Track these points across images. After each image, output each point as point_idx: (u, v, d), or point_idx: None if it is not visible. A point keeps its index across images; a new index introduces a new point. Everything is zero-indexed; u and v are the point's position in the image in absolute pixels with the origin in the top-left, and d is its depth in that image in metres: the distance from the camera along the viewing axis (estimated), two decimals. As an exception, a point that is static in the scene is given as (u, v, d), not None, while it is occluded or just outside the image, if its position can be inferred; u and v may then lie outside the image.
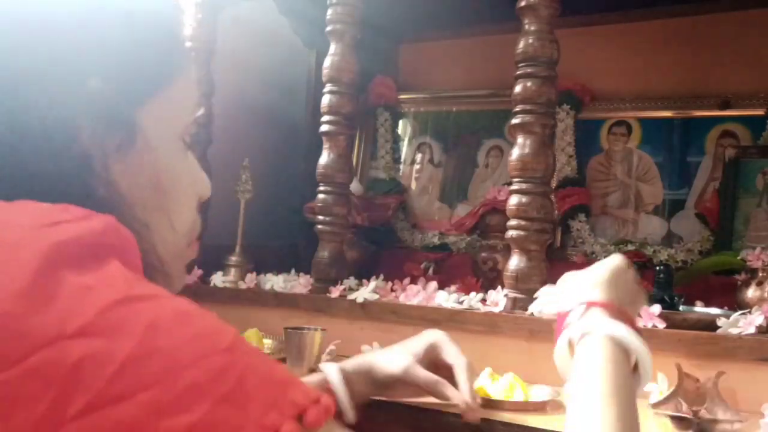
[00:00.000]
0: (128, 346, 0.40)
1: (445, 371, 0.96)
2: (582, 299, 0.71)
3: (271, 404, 0.42)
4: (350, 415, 0.89)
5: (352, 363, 0.95)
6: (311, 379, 0.92)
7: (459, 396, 0.91)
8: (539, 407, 1.02)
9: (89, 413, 0.39)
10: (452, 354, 0.95)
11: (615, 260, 0.78)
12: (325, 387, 0.91)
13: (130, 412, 0.39)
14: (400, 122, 2.23)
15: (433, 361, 0.96)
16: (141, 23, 0.57)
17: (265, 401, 0.42)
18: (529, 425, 0.94)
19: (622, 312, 0.70)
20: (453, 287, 1.53)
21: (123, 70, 0.55)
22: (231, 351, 0.44)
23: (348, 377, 0.91)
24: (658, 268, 1.35)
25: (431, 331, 0.98)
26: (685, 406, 0.93)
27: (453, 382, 0.94)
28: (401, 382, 0.93)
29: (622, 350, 0.66)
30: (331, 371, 0.92)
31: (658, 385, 1.05)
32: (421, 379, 0.92)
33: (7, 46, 0.52)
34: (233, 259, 1.69)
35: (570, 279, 0.78)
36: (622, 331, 0.66)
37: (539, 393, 1.04)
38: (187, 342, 0.42)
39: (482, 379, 1.05)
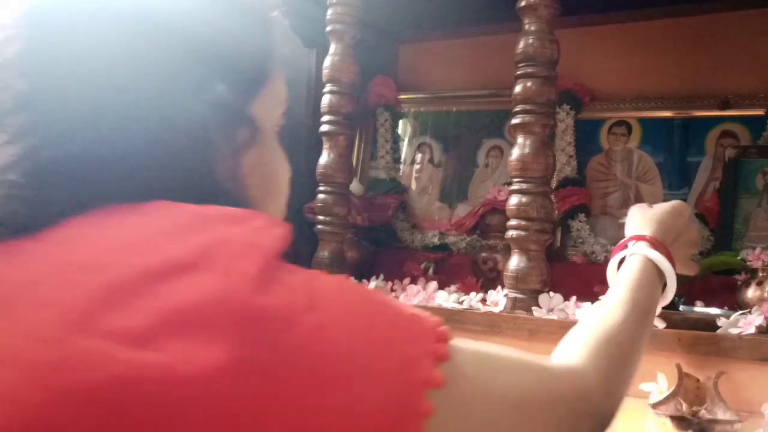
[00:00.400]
0: (335, 311, 0.46)
1: None
2: (635, 232, 0.94)
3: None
4: None
5: None
6: None
7: None
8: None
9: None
10: None
11: (672, 204, 1.03)
12: None
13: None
14: (400, 122, 2.23)
15: None
16: (250, 22, 0.59)
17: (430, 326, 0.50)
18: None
19: (662, 246, 0.91)
20: (453, 287, 1.53)
21: (241, 71, 0.57)
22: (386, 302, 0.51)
23: None
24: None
25: None
26: (685, 406, 0.93)
27: None
28: None
29: (656, 270, 0.87)
30: None
31: (658, 385, 1.05)
32: None
33: (145, 60, 0.52)
34: (233, 259, 1.68)
35: (635, 212, 1.01)
36: (658, 257, 0.88)
37: None
38: (364, 302, 0.49)
39: None
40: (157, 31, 0.53)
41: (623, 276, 0.85)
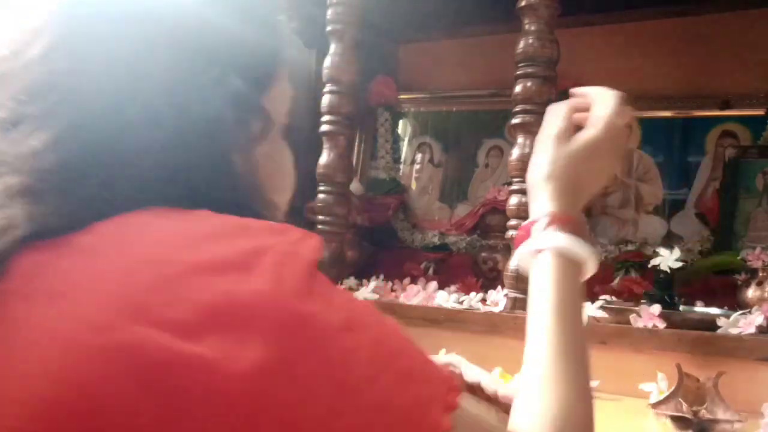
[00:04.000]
0: (367, 337, 0.47)
1: None
2: (544, 211, 0.74)
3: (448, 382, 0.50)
4: None
5: None
6: None
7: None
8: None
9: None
10: (473, 371, 0.96)
11: (587, 140, 0.76)
12: None
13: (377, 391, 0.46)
14: (400, 122, 2.23)
15: None
16: (259, 25, 0.61)
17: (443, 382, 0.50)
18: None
19: (574, 223, 0.73)
20: (453, 287, 1.53)
21: (253, 68, 0.59)
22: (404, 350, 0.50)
23: None
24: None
25: (449, 354, 0.99)
26: (685, 406, 0.93)
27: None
28: None
29: (572, 263, 0.71)
30: None
31: (658, 385, 1.05)
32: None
33: (165, 53, 0.54)
34: (233, 259, 1.68)
35: (539, 159, 0.77)
36: (572, 246, 0.71)
37: None
38: (391, 335, 0.49)
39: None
40: (176, 33, 0.55)
41: (544, 301, 0.71)
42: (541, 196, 0.75)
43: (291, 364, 0.43)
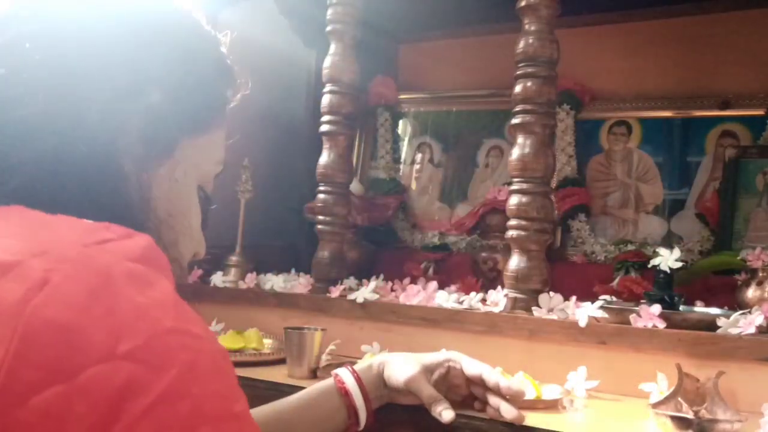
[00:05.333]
0: (165, 381, 0.42)
1: (461, 390, 0.98)
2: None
3: None
4: (363, 418, 0.91)
5: (365, 367, 0.96)
6: (326, 384, 0.93)
7: (450, 416, 0.92)
8: (551, 405, 1.02)
9: None
10: (474, 365, 0.97)
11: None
12: (341, 391, 0.92)
13: None
14: (400, 122, 2.23)
15: (449, 379, 0.98)
16: (202, 64, 0.61)
17: None
18: (541, 424, 0.94)
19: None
20: (453, 287, 1.53)
21: (180, 96, 0.58)
22: (239, 419, 0.47)
23: (362, 382, 0.93)
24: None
25: (450, 351, 1.00)
26: (685, 406, 0.93)
27: (473, 400, 0.97)
28: (407, 390, 0.94)
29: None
30: (347, 376, 0.93)
31: (658, 385, 1.05)
32: (423, 392, 0.94)
33: (74, 51, 0.53)
34: (233, 259, 1.69)
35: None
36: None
37: (550, 391, 1.05)
38: (213, 396, 0.45)
39: None
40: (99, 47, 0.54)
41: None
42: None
43: (26, 382, 0.40)
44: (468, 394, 0.98)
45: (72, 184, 0.52)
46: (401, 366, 0.95)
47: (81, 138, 0.52)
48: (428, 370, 0.95)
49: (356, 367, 0.96)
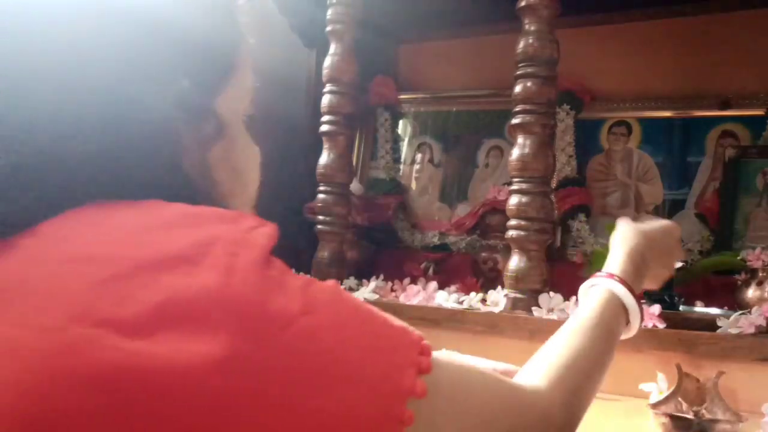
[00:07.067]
0: (326, 317, 0.47)
1: None
2: (607, 269, 0.88)
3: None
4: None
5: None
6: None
7: None
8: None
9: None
10: (464, 360, 0.96)
11: (663, 224, 0.99)
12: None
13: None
14: (400, 122, 2.23)
15: None
16: (214, 13, 0.59)
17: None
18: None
19: (629, 287, 0.85)
20: (453, 287, 1.53)
21: (203, 67, 0.57)
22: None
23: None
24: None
25: (440, 351, 0.99)
26: (685, 406, 0.93)
27: None
28: None
29: (619, 303, 0.83)
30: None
31: (658, 385, 1.05)
32: None
33: (108, 58, 0.52)
34: (233, 259, 1.68)
35: (622, 224, 0.96)
36: (622, 291, 0.84)
37: None
38: (352, 310, 0.49)
39: None
40: (120, 27, 0.52)
41: (589, 304, 0.82)
42: (613, 259, 0.91)
43: (248, 355, 0.42)
44: None
45: (136, 169, 0.51)
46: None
47: (141, 120, 0.52)
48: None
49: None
